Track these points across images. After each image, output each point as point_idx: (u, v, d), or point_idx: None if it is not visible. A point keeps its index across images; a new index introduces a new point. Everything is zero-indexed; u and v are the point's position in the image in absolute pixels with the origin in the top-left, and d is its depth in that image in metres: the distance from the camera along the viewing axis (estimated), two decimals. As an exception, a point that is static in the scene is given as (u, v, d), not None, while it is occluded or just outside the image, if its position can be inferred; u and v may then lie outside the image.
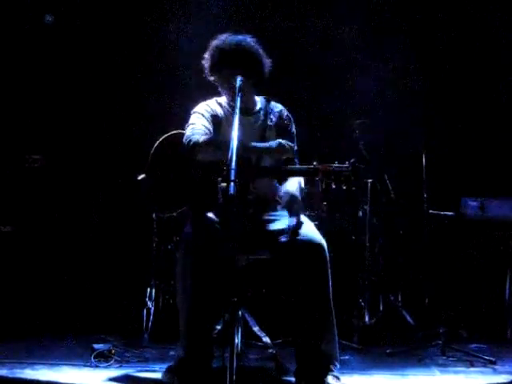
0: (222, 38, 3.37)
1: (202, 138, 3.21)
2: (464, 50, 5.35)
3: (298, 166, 3.30)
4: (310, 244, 3.13)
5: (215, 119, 3.42)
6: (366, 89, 5.27)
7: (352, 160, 3.11)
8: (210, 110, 3.44)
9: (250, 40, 3.37)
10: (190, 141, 3.20)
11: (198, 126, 3.32)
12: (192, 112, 3.45)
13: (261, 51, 3.38)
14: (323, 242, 3.17)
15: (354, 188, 4.70)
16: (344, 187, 4.68)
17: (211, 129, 3.35)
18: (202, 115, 3.40)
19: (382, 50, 5.27)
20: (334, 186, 4.66)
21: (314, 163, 3.12)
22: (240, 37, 3.36)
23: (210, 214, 3.23)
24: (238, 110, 2.94)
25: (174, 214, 3.37)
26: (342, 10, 5.39)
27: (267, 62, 3.40)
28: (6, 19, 5.41)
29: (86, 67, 5.48)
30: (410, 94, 5.23)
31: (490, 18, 5.27)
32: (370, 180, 4.77)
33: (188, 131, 3.29)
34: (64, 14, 5.51)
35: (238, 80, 3.14)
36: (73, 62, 5.49)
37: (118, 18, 5.48)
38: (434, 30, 5.36)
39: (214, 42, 3.39)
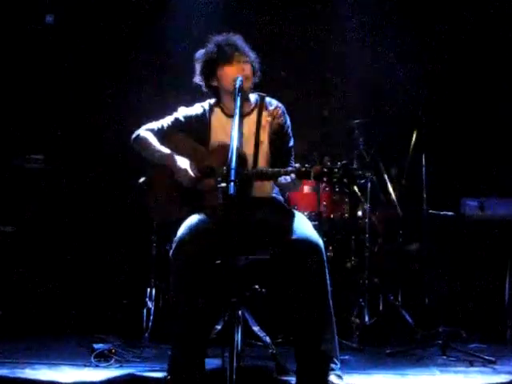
0: (217, 38, 3.36)
1: (141, 133, 3.37)
2: (463, 49, 5.35)
3: (289, 169, 3.15)
4: (307, 243, 3.11)
5: (200, 123, 3.42)
6: (366, 88, 5.28)
7: (344, 161, 3.01)
8: (191, 114, 3.44)
9: (238, 38, 3.36)
10: (135, 133, 3.40)
11: (154, 124, 3.42)
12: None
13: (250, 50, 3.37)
14: (320, 241, 3.15)
15: (347, 190, 4.68)
16: (337, 189, 4.73)
17: (168, 130, 3.40)
18: (176, 118, 3.43)
19: (383, 49, 5.28)
20: (327, 189, 4.71)
21: (306, 165, 3.04)
22: (235, 37, 3.36)
23: (204, 215, 3.23)
24: (238, 111, 2.94)
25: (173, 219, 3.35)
26: (342, 4, 5.41)
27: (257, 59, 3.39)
28: (6, 19, 5.42)
29: (88, 67, 5.49)
30: (410, 94, 5.23)
31: (493, 12, 5.27)
32: (368, 183, 4.76)
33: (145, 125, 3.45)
34: (63, 15, 5.51)
35: (238, 80, 3.14)
36: (74, 62, 5.50)
37: (118, 18, 5.49)
38: (434, 29, 5.36)
39: (209, 44, 3.38)
